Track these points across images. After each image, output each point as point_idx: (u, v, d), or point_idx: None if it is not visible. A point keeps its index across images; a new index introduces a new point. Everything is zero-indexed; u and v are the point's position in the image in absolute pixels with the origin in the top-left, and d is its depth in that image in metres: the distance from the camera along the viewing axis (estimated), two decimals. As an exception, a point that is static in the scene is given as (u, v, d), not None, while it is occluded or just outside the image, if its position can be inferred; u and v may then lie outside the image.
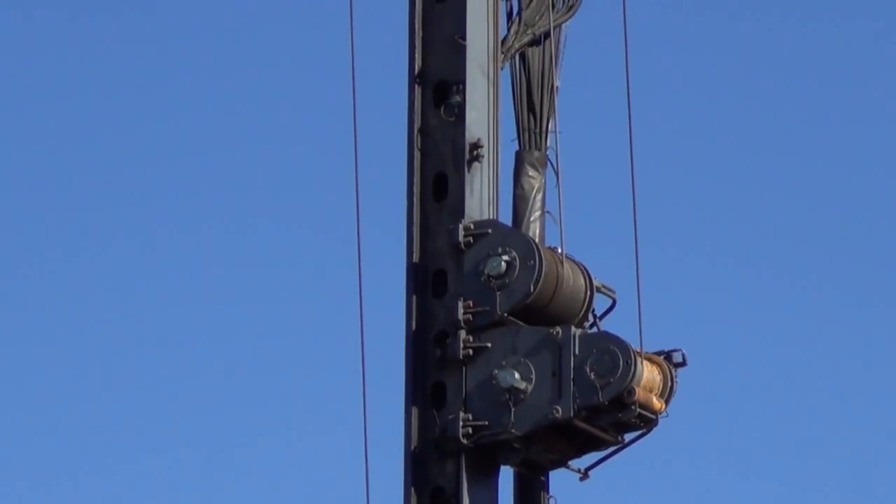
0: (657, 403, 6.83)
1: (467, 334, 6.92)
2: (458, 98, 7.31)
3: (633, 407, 6.67)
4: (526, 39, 7.71)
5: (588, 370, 6.65)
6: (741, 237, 30.97)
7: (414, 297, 7.26)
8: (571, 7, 7.81)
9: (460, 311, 6.96)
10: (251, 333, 29.72)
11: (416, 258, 7.35)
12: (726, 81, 33.22)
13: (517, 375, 6.69)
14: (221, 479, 28.94)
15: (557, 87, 7.79)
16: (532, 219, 7.46)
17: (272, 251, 30.14)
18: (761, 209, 32.03)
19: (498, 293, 6.90)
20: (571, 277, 7.14)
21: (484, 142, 7.38)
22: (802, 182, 34.75)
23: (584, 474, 7.20)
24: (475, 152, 7.28)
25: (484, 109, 7.55)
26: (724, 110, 32.82)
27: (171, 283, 33.44)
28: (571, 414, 6.67)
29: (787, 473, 28.28)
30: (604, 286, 7.37)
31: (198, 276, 32.29)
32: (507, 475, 7.20)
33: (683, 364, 7.07)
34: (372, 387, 6.99)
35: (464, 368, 6.94)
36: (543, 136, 7.60)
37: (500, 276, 6.90)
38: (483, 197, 7.43)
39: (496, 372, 6.79)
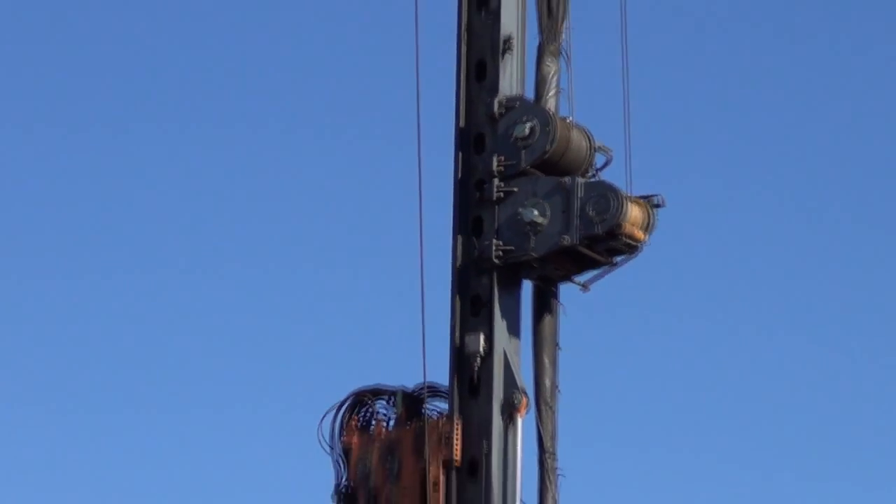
0: (640, 234, 8.66)
1: (499, 181, 8.76)
2: (494, 4, 9.12)
3: (621, 237, 8.54)
4: None
5: (589, 209, 8.43)
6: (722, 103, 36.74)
7: (460, 154, 9.11)
8: None
9: (494, 164, 8.79)
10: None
11: (462, 124, 9.15)
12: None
13: (536, 212, 8.55)
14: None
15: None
16: (549, 95, 9.10)
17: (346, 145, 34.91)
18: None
19: (523, 151, 8.71)
20: (578, 140, 8.92)
21: (514, 37, 9.13)
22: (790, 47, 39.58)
23: (585, 287, 9.05)
24: (507, 45, 9.03)
25: (514, 12, 9.21)
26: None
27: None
28: (576, 241, 8.52)
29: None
30: (602, 146, 9.09)
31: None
32: (527, 287, 9.14)
33: (661, 206, 8.86)
34: (427, 220, 8.85)
35: (496, 207, 8.79)
36: (559, 33, 9.27)
37: (525, 139, 8.68)
38: (513, 79, 9.17)
39: (520, 210, 8.65)
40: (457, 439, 8.58)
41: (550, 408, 8.93)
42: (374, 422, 9.13)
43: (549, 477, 8.80)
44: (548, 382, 8.97)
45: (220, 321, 34.57)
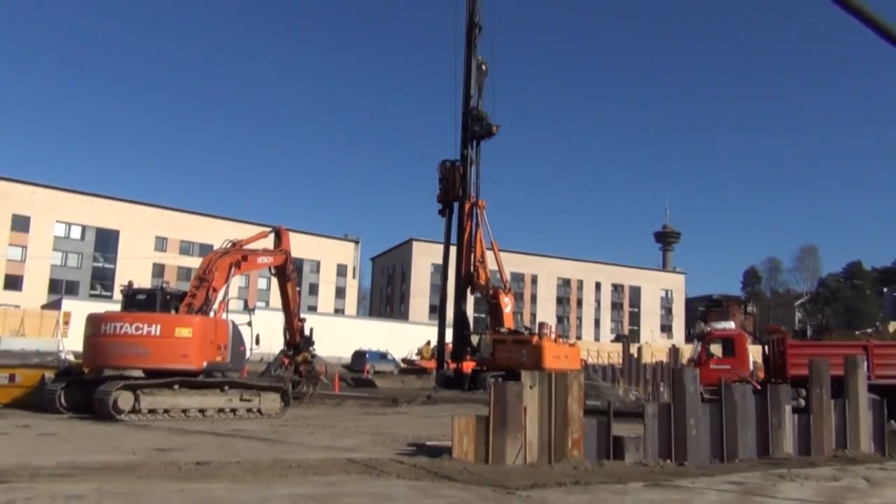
0: (495, 130, 31.68)
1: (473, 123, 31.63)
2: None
3: (492, 132, 31.68)
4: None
5: (490, 128, 31.36)
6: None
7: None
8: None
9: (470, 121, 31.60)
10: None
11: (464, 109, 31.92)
12: None
13: (477, 129, 31.47)
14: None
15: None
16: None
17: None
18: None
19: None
20: (485, 114, 31.82)
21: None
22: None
23: (486, 141, 32.23)
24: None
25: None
26: None
27: None
28: (484, 133, 31.57)
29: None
30: (487, 116, 31.86)
31: None
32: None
33: (499, 126, 31.81)
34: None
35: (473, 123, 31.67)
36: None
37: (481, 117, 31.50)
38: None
39: (474, 127, 31.61)
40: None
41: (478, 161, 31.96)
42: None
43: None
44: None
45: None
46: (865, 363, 15.75)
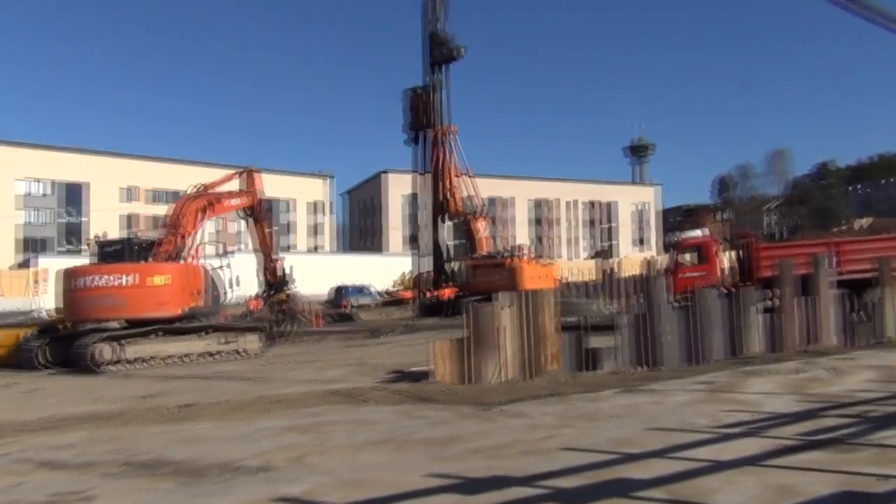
0: (462, 53, 31.10)
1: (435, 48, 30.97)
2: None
3: (459, 54, 31.15)
4: None
5: (459, 53, 30.81)
6: None
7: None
8: None
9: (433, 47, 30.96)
10: None
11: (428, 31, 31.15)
12: None
13: (444, 51, 30.87)
14: None
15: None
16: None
17: None
18: None
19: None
20: (453, 38, 31.18)
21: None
22: None
23: (454, 61, 31.70)
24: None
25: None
26: None
27: None
28: (451, 57, 30.95)
29: None
30: (455, 40, 31.23)
31: None
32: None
33: (466, 47, 31.25)
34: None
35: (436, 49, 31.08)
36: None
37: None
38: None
39: (438, 52, 30.95)
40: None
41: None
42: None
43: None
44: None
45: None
46: (833, 260, 16.16)
